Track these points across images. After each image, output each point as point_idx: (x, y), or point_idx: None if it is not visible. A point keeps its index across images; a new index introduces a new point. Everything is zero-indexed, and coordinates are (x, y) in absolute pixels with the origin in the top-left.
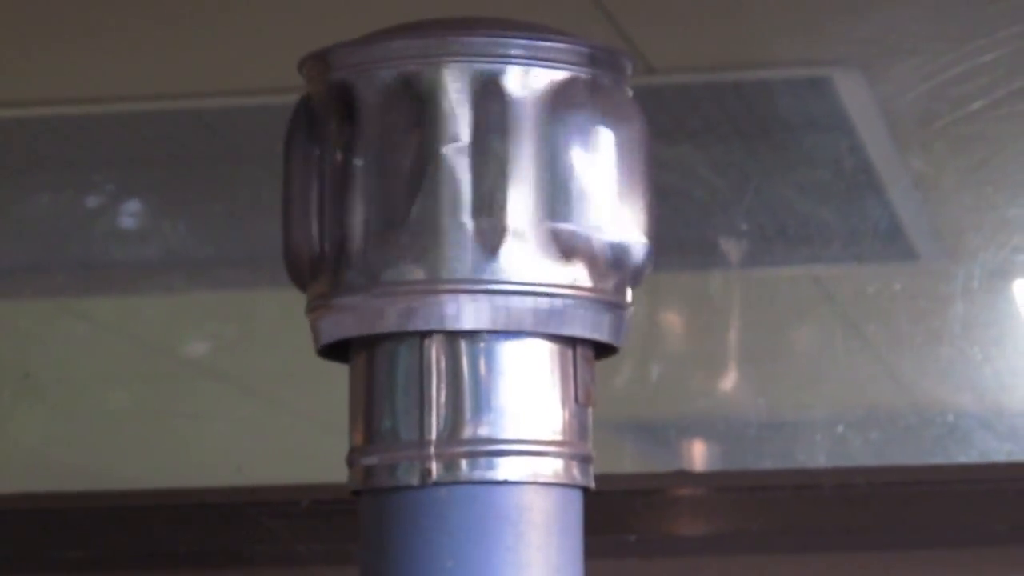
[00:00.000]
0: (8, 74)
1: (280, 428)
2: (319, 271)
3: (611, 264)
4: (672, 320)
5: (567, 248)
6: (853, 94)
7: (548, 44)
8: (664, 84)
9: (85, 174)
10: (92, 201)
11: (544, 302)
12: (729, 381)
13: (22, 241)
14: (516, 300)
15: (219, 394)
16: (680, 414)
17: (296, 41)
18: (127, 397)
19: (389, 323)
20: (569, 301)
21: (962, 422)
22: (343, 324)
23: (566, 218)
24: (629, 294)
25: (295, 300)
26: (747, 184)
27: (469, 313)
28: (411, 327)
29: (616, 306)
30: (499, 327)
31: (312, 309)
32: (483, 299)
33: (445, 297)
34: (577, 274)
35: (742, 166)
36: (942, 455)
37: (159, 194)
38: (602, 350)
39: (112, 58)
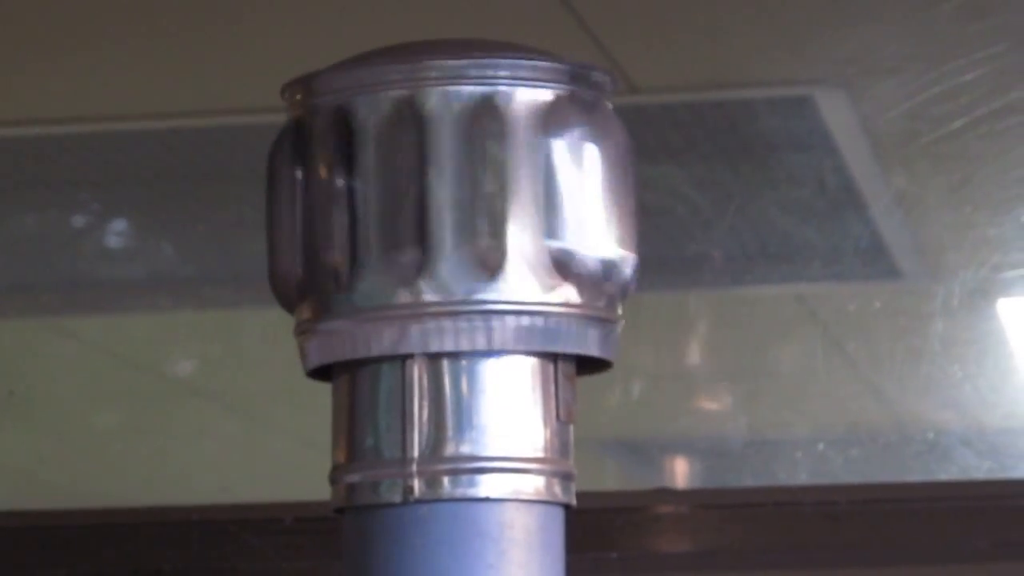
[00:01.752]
0: None
1: (264, 446)
2: (305, 294)
3: (602, 280)
4: (654, 338)
5: (559, 266)
6: (835, 113)
7: (536, 64)
8: (647, 103)
9: (71, 193)
10: (78, 220)
11: (537, 321)
12: (711, 399)
13: (8, 260)
14: (509, 320)
15: (204, 412)
16: (662, 432)
17: (280, 61)
18: (112, 415)
19: (376, 348)
20: (561, 319)
21: (943, 439)
22: (330, 348)
23: (558, 236)
24: (619, 309)
25: (280, 319)
26: (729, 203)
27: (458, 336)
28: (397, 351)
29: (607, 321)
30: (489, 347)
31: (300, 332)
32: (472, 320)
33: (434, 321)
34: (568, 291)
35: (724, 185)
36: (923, 472)
37: (144, 213)
38: (594, 366)
39: (97, 78)
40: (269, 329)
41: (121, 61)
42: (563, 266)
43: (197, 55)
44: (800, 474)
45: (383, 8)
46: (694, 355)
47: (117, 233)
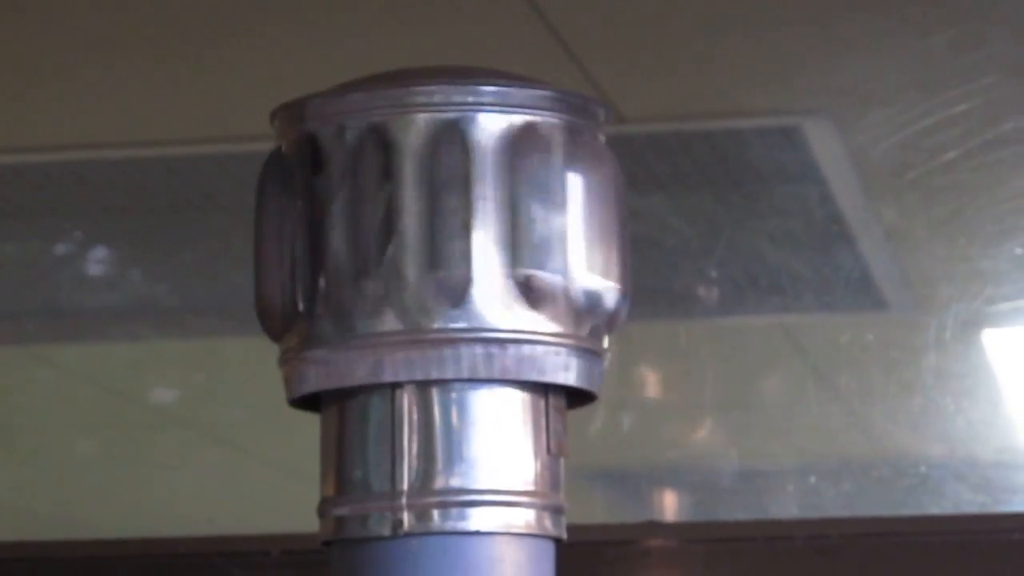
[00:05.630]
0: None
1: (250, 477)
2: (291, 323)
3: (584, 310)
4: (643, 370)
5: (540, 295)
6: (824, 144)
7: (515, 90)
8: (635, 133)
9: (53, 222)
10: (60, 248)
11: (522, 349)
12: (700, 431)
13: None
14: (492, 348)
15: (188, 442)
16: (651, 464)
17: (265, 90)
18: (95, 445)
19: (361, 376)
20: (544, 348)
21: (934, 473)
22: (315, 377)
23: (537, 264)
24: (605, 341)
25: (263, 348)
26: (718, 234)
27: (442, 363)
28: (383, 379)
29: (591, 352)
30: (473, 375)
31: (284, 362)
32: (455, 348)
33: (418, 348)
34: (550, 321)
35: (713, 216)
36: (914, 506)
37: (128, 242)
38: (579, 398)
39: (81, 106)
40: (253, 358)
41: (105, 90)
42: (531, 293)
43: (182, 84)
44: (791, 508)
45: (371, 38)
46: (683, 387)
47: (100, 261)
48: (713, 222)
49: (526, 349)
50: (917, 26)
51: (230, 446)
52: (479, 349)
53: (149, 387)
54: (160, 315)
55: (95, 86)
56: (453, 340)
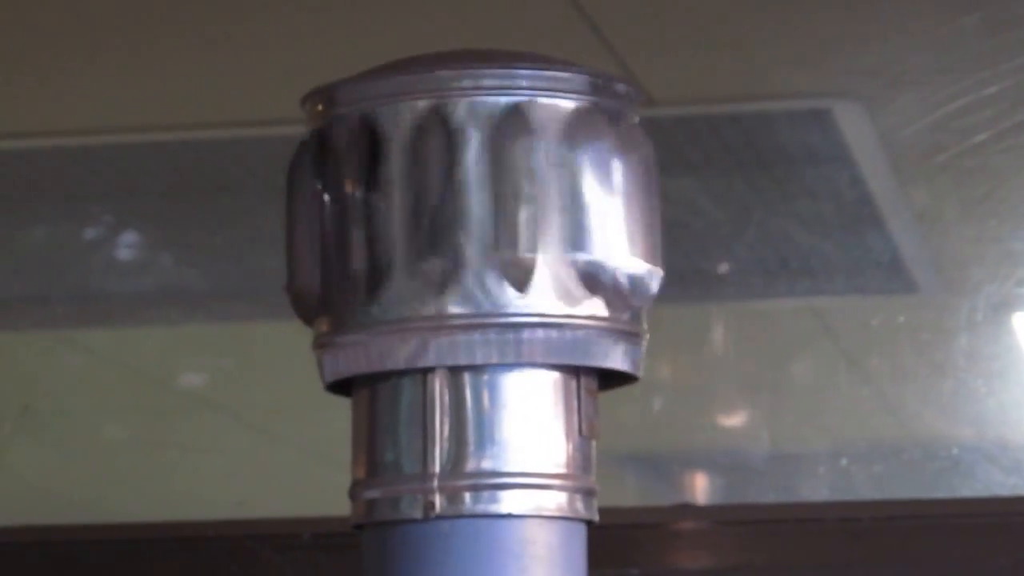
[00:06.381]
0: (6, 105)
1: (280, 461)
2: (325, 307)
3: (629, 293)
4: (674, 353)
5: (586, 279)
6: (855, 126)
7: (565, 75)
8: (664, 116)
9: (83, 206)
10: (90, 233)
11: (565, 334)
12: (731, 414)
13: (21, 273)
14: (538, 333)
15: (218, 426)
16: (683, 447)
17: (295, 73)
18: (126, 429)
19: (395, 361)
20: (589, 332)
21: (966, 456)
22: (348, 362)
23: (586, 249)
24: (644, 323)
25: (293, 332)
26: (748, 217)
27: (487, 348)
28: (418, 364)
29: (633, 335)
30: (517, 360)
31: (318, 346)
32: (502, 333)
33: (459, 334)
34: (595, 305)
35: (742, 199)
36: (946, 489)
37: (157, 226)
38: (617, 380)
39: (110, 89)
40: (282, 342)
41: (134, 72)
42: (590, 279)
43: (211, 66)
44: (822, 490)
45: (399, 19)
46: (714, 370)
47: (129, 246)
48: (743, 205)
49: (581, 333)
50: (948, 7)
51: (259, 430)
52: (540, 333)
53: (179, 371)
54: (190, 299)
55: (125, 69)
56: (515, 325)
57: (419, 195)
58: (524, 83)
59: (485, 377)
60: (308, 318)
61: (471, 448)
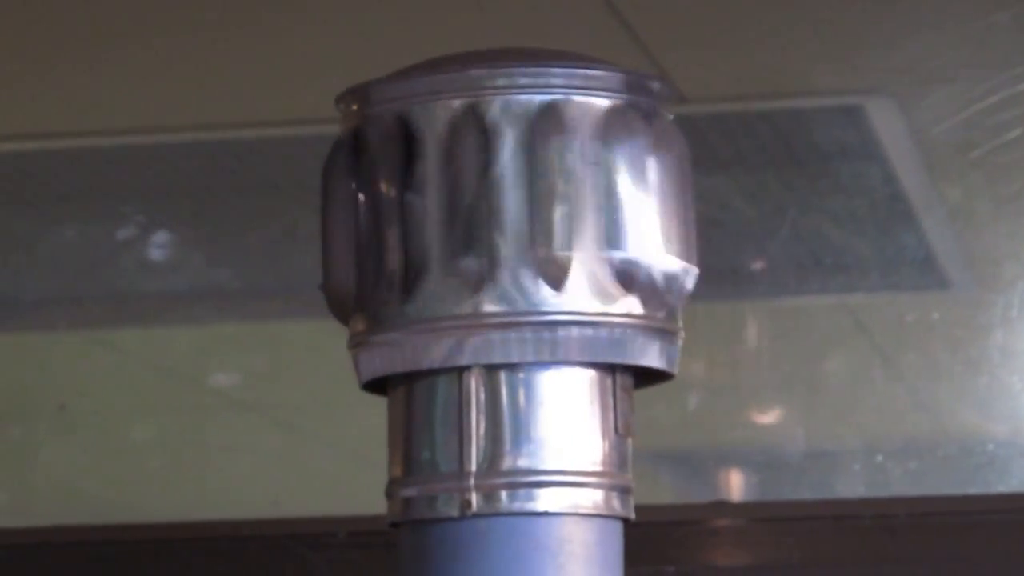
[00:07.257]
0: (38, 106)
1: (315, 460)
2: (360, 306)
3: (664, 291)
4: (708, 350)
5: (622, 277)
6: (887, 123)
7: (599, 73)
8: (697, 113)
9: (115, 206)
10: (122, 233)
11: (601, 332)
12: (766, 411)
13: (53, 273)
14: (573, 331)
15: (252, 426)
16: (718, 444)
17: (329, 72)
18: (160, 429)
19: (432, 359)
20: (623, 330)
21: (1001, 452)
22: (384, 360)
23: (621, 247)
24: (679, 320)
25: (325, 331)
26: (781, 214)
27: (522, 346)
28: (454, 363)
29: (669, 333)
30: (553, 359)
31: (354, 345)
32: (537, 332)
33: (495, 332)
34: (631, 303)
35: (775, 196)
36: (981, 485)
37: (190, 226)
38: (653, 378)
39: (142, 89)
40: (315, 341)
41: (168, 71)
42: (626, 277)
43: (244, 66)
44: (858, 487)
45: (433, 18)
46: (748, 367)
47: (161, 245)
48: (777, 202)
49: (617, 331)
50: (980, 3)
51: (293, 429)
52: (575, 331)
53: (211, 371)
54: (222, 298)
55: (157, 69)
56: (551, 323)
57: (454, 194)
58: (558, 81)
59: (521, 375)
60: (343, 317)
61: (507, 446)
